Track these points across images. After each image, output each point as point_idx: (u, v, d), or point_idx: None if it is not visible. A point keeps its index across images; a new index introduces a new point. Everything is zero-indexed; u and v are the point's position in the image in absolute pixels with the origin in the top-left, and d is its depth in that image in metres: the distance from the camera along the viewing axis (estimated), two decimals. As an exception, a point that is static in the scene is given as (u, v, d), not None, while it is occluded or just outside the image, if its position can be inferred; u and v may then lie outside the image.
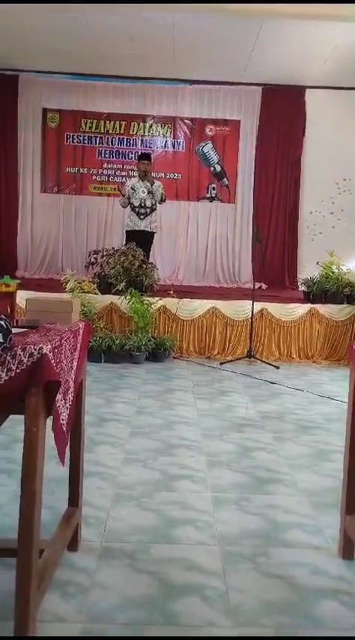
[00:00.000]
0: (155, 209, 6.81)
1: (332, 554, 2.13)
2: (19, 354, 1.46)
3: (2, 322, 1.45)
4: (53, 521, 2.03)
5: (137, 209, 6.74)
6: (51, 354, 1.50)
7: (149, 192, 6.70)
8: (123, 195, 6.75)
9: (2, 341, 1.45)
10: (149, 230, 6.81)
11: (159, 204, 6.86)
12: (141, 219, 6.74)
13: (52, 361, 1.51)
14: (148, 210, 6.75)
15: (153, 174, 7.23)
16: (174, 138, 8.61)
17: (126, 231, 6.96)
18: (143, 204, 6.72)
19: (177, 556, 2.05)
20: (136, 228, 6.76)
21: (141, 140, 8.58)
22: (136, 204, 6.72)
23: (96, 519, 2.29)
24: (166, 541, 2.16)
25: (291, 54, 7.17)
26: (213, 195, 8.66)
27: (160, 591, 1.82)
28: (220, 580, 1.90)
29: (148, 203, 6.74)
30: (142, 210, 6.73)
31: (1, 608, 1.65)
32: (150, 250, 6.87)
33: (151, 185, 6.72)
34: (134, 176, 7.21)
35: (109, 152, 8.59)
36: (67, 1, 5.34)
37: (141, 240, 6.55)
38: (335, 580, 1.96)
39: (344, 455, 2.14)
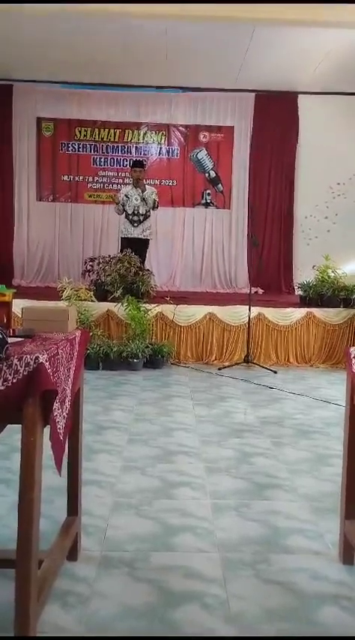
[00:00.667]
0: (149, 216, 6.83)
1: (332, 559, 2.12)
2: (16, 364, 1.45)
3: (0, 333, 1.45)
4: (52, 531, 2.02)
5: (130, 216, 6.76)
6: (47, 363, 1.50)
7: (142, 200, 6.72)
8: (118, 204, 6.78)
9: (-1, 352, 1.45)
10: (142, 237, 6.83)
11: (152, 210, 6.88)
12: (134, 226, 6.76)
13: (49, 370, 1.51)
14: (142, 217, 6.77)
15: (147, 182, 7.25)
16: (168, 145, 8.64)
17: (121, 238, 6.99)
18: (136, 212, 6.74)
19: (177, 564, 2.04)
20: (130, 236, 6.78)
21: (136, 147, 8.61)
22: (130, 211, 6.75)
23: (96, 528, 2.28)
24: (166, 549, 2.15)
25: (284, 60, 7.21)
26: (208, 201, 8.69)
27: (160, 599, 1.81)
28: (220, 587, 1.90)
29: (142, 210, 6.76)
30: (135, 218, 6.75)
31: (2, 619, 1.64)
32: (145, 257, 6.88)
33: (143, 192, 6.74)
34: (128, 183, 7.23)
35: (104, 160, 8.62)
36: (66, 2, 5.33)
37: (136, 247, 6.56)
38: (335, 585, 1.95)
39: (343, 459, 2.14)
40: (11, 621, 1.48)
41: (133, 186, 6.81)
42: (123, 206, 6.74)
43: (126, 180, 8.12)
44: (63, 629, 1.66)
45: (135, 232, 6.79)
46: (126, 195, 6.76)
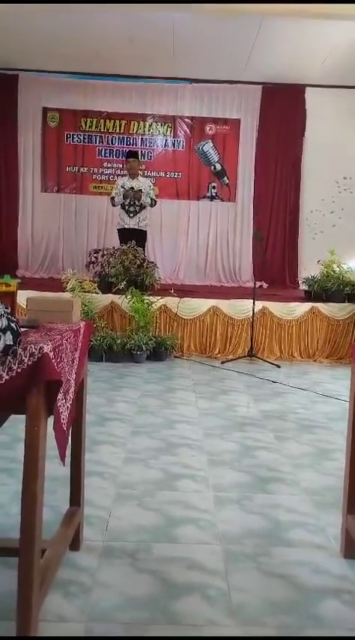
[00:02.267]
0: (145, 207, 6.83)
1: (334, 553, 2.12)
2: (20, 354, 1.45)
3: (13, 325, 1.45)
4: (55, 521, 2.03)
5: (126, 207, 6.77)
6: (52, 353, 1.50)
7: (138, 190, 6.71)
8: (114, 206, 6.90)
9: (12, 343, 1.45)
10: (138, 228, 6.82)
11: (151, 207, 6.88)
12: (130, 217, 6.78)
13: (53, 361, 1.50)
14: (138, 208, 6.77)
15: (145, 173, 7.28)
16: (174, 137, 8.60)
17: (118, 230, 7.01)
18: (132, 202, 6.74)
19: (179, 555, 2.04)
20: (126, 226, 6.82)
21: (141, 139, 8.58)
22: (126, 202, 6.74)
23: (98, 519, 2.29)
24: (168, 540, 2.15)
25: (291, 53, 7.16)
26: (214, 194, 8.66)
27: (162, 591, 1.82)
28: (222, 579, 1.90)
29: (137, 201, 6.75)
30: (132, 209, 6.75)
31: (4, 608, 1.65)
32: (144, 249, 6.87)
33: (132, 180, 6.75)
34: (125, 174, 7.22)
35: (109, 151, 8.59)
36: (68, 1, 5.32)
37: (133, 238, 6.56)
38: (337, 579, 1.95)
39: (346, 454, 2.14)
40: (14, 609, 1.49)
41: (129, 177, 6.82)
42: (121, 196, 6.73)
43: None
44: (65, 618, 1.67)
45: (131, 223, 6.80)
46: (122, 186, 6.77)
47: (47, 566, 1.67)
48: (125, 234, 6.73)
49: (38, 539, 1.51)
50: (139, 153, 7.90)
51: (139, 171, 7.06)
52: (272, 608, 1.76)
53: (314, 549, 2.15)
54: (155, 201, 6.90)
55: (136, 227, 6.82)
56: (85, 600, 1.75)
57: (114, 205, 6.97)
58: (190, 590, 1.83)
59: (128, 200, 6.72)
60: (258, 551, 2.10)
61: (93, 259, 6.46)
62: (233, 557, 2.04)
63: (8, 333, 1.44)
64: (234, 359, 5.94)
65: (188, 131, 8.60)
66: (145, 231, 7.00)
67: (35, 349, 1.46)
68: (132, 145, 8.50)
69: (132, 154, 7.03)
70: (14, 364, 1.45)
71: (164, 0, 5.28)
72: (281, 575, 1.95)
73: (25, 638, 1.47)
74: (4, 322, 1.44)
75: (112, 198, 6.87)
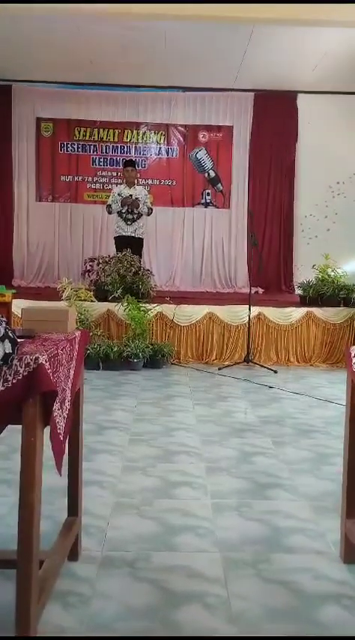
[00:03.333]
0: (142, 215, 6.85)
1: (334, 558, 2.12)
2: (16, 364, 1.45)
3: (10, 333, 1.45)
4: (53, 531, 2.02)
5: (124, 215, 6.79)
6: (47, 363, 1.50)
7: (135, 198, 6.73)
8: (110, 214, 6.93)
9: (11, 352, 1.45)
10: (135, 236, 6.84)
11: (147, 216, 6.91)
12: (128, 224, 6.80)
13: (49, 371, 1.50)
14: (135, 216, 6.79)
15: (139, 181, 7.31)
16: (167, 145, 8.63)
17: (115, 237, 7.02)
18: (130, 210, 6.76)
19: (178, 564, 2.03)
20: (123, 234, 6.82)
21: (135, 147, 8.61)
22: (123, 209, 6.76)
23: (97, 528, 2.28)
24: (167, 549, 2.15)
25: (283, 59, 7.22)
26: (208, 201, 8.69)
27: (162, 600, 1.81)
28: (222, 587, 1.89)
29: (135, 209, 6.77)
30: (129, 216, 6.77)
31: (3, 620, 1.64)
32: (140, 256, 6.89)
33: (129, 188, 6.78)
34: (121, 183, 7.25)
35: (103, 160, 8.61)
36: (65, 1, 5.32)
37: (130, 246, 6.58)
38: (337, 585, 1.95)
39: (344, 458, 2.14)
40: (12, 622, 1.48)
41: (127, 185, 6.85)
42: (118, 204, 6.75)
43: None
44: (64, 629, 1.66)
45: (129, 230, 6.82)
46: (119, 194, 6.79)
47: (45, 577, 1.66)
48: (122, 242, 6.74)
49: (36, 550, 1.50)
50: (136, 161, 7.94)
51: (136, 179, 7.09)
52: (272, 615, 1.75)
53: (313, 555, 2.14)
54: (151, 210, 6.93)
55: (133, 235, 6.84)
56: (85, 611, 1.74)
57: (110, 213, 6.98)
58: (190, 598, 1.82)
59: (126, 208, 6.74)
60: (258, 558, 2.09)
61: (88, 268, 6.47)
62: (232, 565, 2.04)
63: (7, 341, 1.44)
64: (231, 365, 5.94)
65: (181, 139, 8.64)
66: (142, 239, 7.02)
67: (31, 360, 1.46)
68: (126, 154, 8.53)
69: (130, 163, 7.06)
70: (9, 375, 1.45)
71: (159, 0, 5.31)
72: (281, 581, 1.94)
73: (26, 638, 1.46)
74: (1, 330, 1.44)
75: (108, 206, 6.89)
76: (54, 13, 5.43)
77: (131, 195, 6.73)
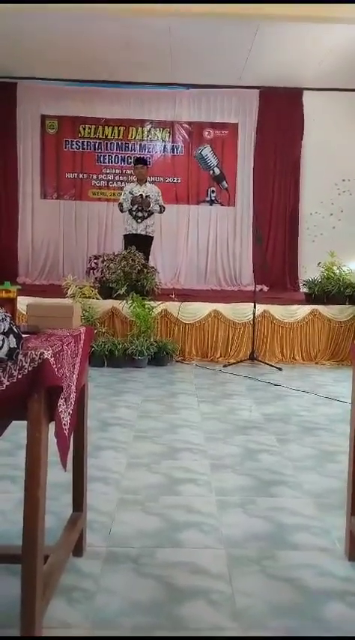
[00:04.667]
0: (152, 213, 6.83)
1: (338, 555, 2.12)
2: (21, 360, 1.45)
3: (15, 328, 1.46)
4: (58, 527, 2.02)
5: (134, 212, 6.77)
6: (52, 359, 1.50)
7: (146, 196, 6.72)
8: (122, 212, 6.88)
9: (16, 346, 1.45)
10: (145, 234, 6.83)
11: (160, 214, 6.90)
12: (138, 222, 6.78)
13: (54, 366, 1.51)
14: (146, 213, 6.77)
15: (151, 179, 7.29)
16: (172, 142, 8.63)
17: (124, 235, 7.00)
18: (140, 208, 6.74)
19: (183, 560, 2.04)
20: (133, 232, 6.80)
21: (140, 145, 8.61)
22: (134, 207, 6.75)
23: (101, 524, 2.28)
24: (171, 545, 2.15)
25: (288, 56, 7.19)
26: (213, 199, 8.67)
27: (166, 595, 1.81)
28: (226, 583, 1.89)
29: (145, 207, 6.75)
30: (140, 214, 6.76)
31: (7, 615, 1.64)
32: (149, 254, 6.88)
33: (140, 186, 6.76)
34: (132, 181, 7.25)
35: (108, 157, 8.61)
36: (69, 1, 5.32)
37: (139, 243, 6.57)
38: (342, 582, 1.94)
39: (349, 456, 2.13)
40: (17, 616, 1.49)
41: (137, 182, 6.83)
42: (129, 202, 6.73)
43: (131, 178, 8.10)
44: (69, 624, 1.66)
45: (139, 228, 6.79)
46: (130, 192, 6.77)
47: (50, 572, 1.66)
48: (131, 240, 6.71)
49: (41, 545, 1.50)
50: (147, 159, 7.93)
51: (147, 177, 7.06)
52: (276, 612, 1.75)
53: (318, 552, 2.14)
54: (164, 208, 6.90)
55: (143, 233, 6.82)
56: (89, 606, 1.75)
57: (122, 211, 6.95)
58: (194, 594, 1.82)
59: (136, 206, 6.72)
60: (262, 555, 2.09)
61: (93, 265, 6.47)
62: (237, 561, 2.04)
63: (11, 336, 1.44)
64: (236, 362, 5.93)
65: (186, 136, 8.63)
66: (152, 237, 7.00)
67: (36, 355, 1.46)
68: (131, 151, 8.54)
69: (141, 161, 7.03)
70: (15, 370, 1.45)
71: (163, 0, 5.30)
72: (285, 578, 1.94)
73: (26, 638, 1.47)
74: (6, 325, 1.44)
75: (120, 204, 6.85)
76: (58, 10, 5.42)
77: (142, 195, 6.70)
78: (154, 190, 6.85)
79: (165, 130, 8.60)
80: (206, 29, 6.36)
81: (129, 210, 6.79)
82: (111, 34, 6.54)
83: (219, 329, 6.20)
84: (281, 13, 5.45)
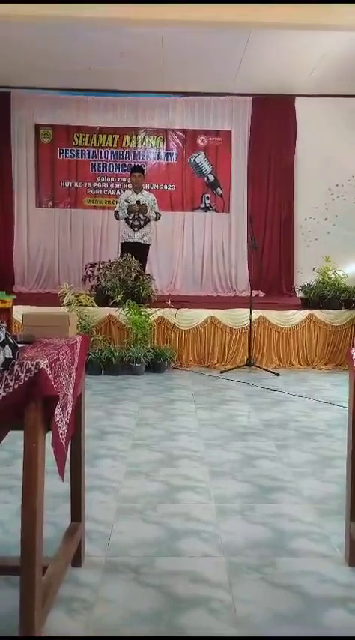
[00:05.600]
0: (148, 221, 6.85)
1: (339, 561, 2.11)
2: (17, 370, 1.45)
3: (10, 339, 1.45)
4: (56, 537, 2.01)
5: (131, 221, 6.78)
6: (48, 369, 1.49)
7: (143, 203, 6.73)
8: (118, 220, 6.90)
9: (12, 357, 1.44)
10: (142, 242, 6.84)
11: (155, 221, 6.91)
12: (135, 230, 6.79)
13: (50, 376, 1.50)
14: (142, 222, 6.78)
15: (145, 186, 7.31)
16: (166, 149, 8.66)
17: (121, 244, 7.01)
18: (137, 216, 6.75)
19: (183, 568, 2.02)
20: (130, 240, 6.80)
21: (134, 153, 8.64)
22: (130, 216, 6.76)
23: (100, 534, 2.27)
24: (171, 553, 2.13)
25: (280, 63, 7.24)
26: (208, 205, 8.70)
27: (166, 604, 1.80)
28: (226, 591, 1.88)
29: (142, 215, 6.77)
30: (136, 222, 6.77)
31: (7, 626, 1.63)
32: (145, 262, 6.89)
33: (136, 194, 6.77)
34: (128, 188, 7.27)
35: (103, 165, 8.64)
36: (65, 1, 5.33)
37: (136, 252, 6.57)
38: (342, 588, 1.93)
39: (347, 461, 2.13)
40: (16, 628, 1.47)
41: (133, 191, 6.85)
42: (125, 210, 6.75)
43: (126, 185, 8.13)
44: (68, 635, 1.65)
45: (136, 236, 6.80)
46: (126, 200, 6.78)
47: (49, 582, 1.65)
48: (128, 249, 6.71)
49: (39, 555, 1.49)
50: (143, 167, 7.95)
51: (143, 185, 7.08)
52: (277, 619, 1.74)
53: (318, 558, 2.13)
54: (159, 215, 6.92)
55: (140, 241, 6.83)
56: (89, 616, 1.73)
57: (118, 219, 6.97)
58: (195, 603, 1.81)
59: (133, 214, 6.73)
60: (262, 562, 2.08)
61: (89, 273, 6.47)
62: (237, 569, 2.03)
63: (7, 346, 1.44)
64: (233, 368, 5.93)
65: (180, 144, 8.66)
66: (148, 245, 7.02)
67: (32, 365, 1.45)
68: (126, 159, 8.56)
69: (138, 169, 7.04)
70: (11, 380, 1.44)
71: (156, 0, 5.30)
72: (286, 585, 1.93)
73: (26, 638, 1.45)
74: (1, 336, 1.43)
75: (116, 213, 6.87)
76: (53, 19, 5.45)
77: (138, 202, 6.71)
78: (150, 198, 6.87)
79: (159, 137, 8.64)
80: (198, 37, 6.40)
81: (125, 219, 6.80)
82: (104, 43, 6.57)
83: (216, 335, 6.21)
84: (273, 21, 5.48)
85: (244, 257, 8.55)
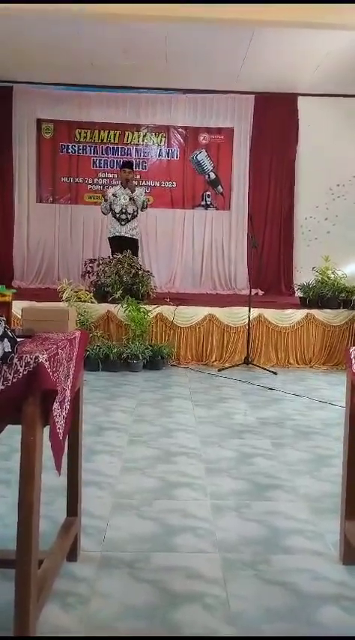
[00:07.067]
0: (136, 216, 6.90)
1: (333, 559, 2.12)
2: (16, 363, 1.45)
3: (9, 332, 1.46)
4: (52, 531, 2.02)
5: (118, 215, 6.83)
6: (47, 362, 1.50)
7: (130, 199, 6.77)
8: (106, 201, 6.89)
9: (11, 351, 1.45)
10: (129, 236, 6.87)
11: (141, 211, 6.96)
12: (121, 224, 6.85)
13: (49, 370, 1.51)
14: (129, 216, 6.83)
15: (140, 182, 7.33)
16: (168, 146, 8.65)
17: (109, 238, 7.06)
18: (124, 211, 6.80)
19: (178, 564, 2.03)
20: (117, 234, 6.87)
21: (136, 149, 8.63)
22: (117, 210, 6.81)
23: (96, 529, 2.27)
24: (166, 549, 2.14)
25: (283, 62, 7.24)
26: (208, 203, 8.70)
27: (161, 600, 1.81)
28: (221, 588, 1.89)
29: (130, 209, 6.82)
30: (123, 217, 6.82)
31: (1, 620, 1.63)
32: (137, 256, 6.90)
33: (132, 192, 6.82)
34: (116, 184, 7.29)
35: (104, 161, 8.63)
36: (66, 1, 5.32)
37: (123, 246, 6.61)
38: (336, 586, 1.94)
39: (343, 460, 2.14)
40: (11, 621, 1.48)
41: (121, 186, 6.87)
42: (110, 205, 6.79)
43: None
44: (63, 629, 1.66)
45: (123, 230, 6.85)
46: (114, 195, 6.82)
47: (44, 577, 1.66)
48: (116, 243, 6.77)
49: (35, 549, 1.50)
50: (134, 163, 7.98)
51: (134, 181, 7.10)
52: (271, 616, 1.75)
53: (313, 556, 2.14)
54: (146, 204, 6.94)
55: (128, 235, 6.86)
56: (83, 611, 1.74)
57: (104, 214, 7.01)
58: (189, 599, 1.82)
59: (120, 208, 6.76)
60: (257, 559, 2.09)
61: (88, 269, 6.48)
62: (231, 565, 2.04)
63: (6, 340, 1.44)
64: (231, 366, 5.94)
65: (182, 141, 8.65)
66: (137, 240, 7.04)
67: (30, 359, 1.46)
68: (127, 155, 8.55)
69: (127, 164, 7.08)
70: (9, 374, 1.45)
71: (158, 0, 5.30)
72: (280, 582, 1.94)
73: (25, 638, 1.46)
74: (0, 330, 1.44)
75: (108, 204, 6.91)
76: (55, 14, 5.43)
77: (133, 199, 6.74)
78: (138, 191, 6.91)
79: (161, 134, 8.63)
80: (202, 34, 6.39)
81: (112, 213, 6.83)
82: (108, 38, 6.56)
83: (214, 333, 6.21)
84: (277, 19, 5.48)
85: (244, 255, 8.55)
